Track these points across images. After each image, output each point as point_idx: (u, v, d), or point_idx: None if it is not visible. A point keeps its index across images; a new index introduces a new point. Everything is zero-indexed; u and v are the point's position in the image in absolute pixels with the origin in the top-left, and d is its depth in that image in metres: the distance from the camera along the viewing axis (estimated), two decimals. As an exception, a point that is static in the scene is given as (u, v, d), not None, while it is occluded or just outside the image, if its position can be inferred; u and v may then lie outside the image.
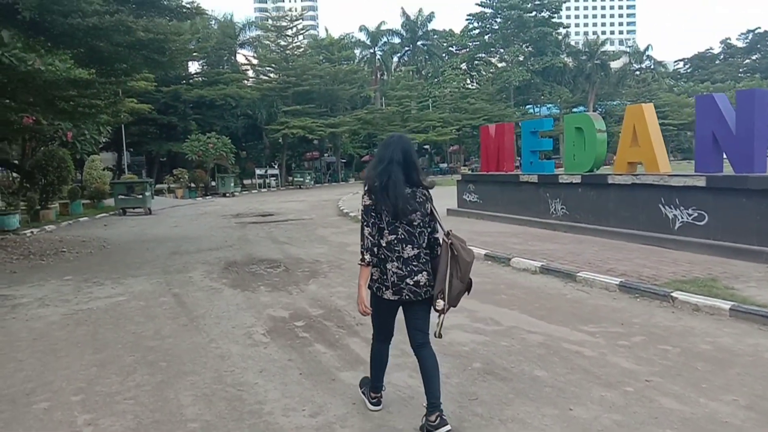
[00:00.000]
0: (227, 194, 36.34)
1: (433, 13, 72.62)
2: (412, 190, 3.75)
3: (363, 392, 4.23)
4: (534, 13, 70.51)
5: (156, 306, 7.50)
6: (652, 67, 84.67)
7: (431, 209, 3.81)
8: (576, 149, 12.28)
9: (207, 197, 35.83)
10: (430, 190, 3.88)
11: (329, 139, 51.25)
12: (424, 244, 3.78)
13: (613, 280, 7.39)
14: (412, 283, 3.69)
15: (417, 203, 3.74)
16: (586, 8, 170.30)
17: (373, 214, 3.71)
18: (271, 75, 49.22)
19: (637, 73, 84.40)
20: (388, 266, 3.69)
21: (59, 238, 15.41)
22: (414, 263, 3.70)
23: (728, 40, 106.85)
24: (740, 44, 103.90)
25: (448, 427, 3.66)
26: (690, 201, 9.30)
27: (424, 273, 3.73)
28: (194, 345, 5.76)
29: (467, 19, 73.40)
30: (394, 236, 3.70)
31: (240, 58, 53.45)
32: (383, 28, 69.60)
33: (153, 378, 4.89)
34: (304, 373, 4.88)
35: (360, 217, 3.86)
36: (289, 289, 8.19)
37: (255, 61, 51.13)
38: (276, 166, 49.96)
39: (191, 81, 44.12)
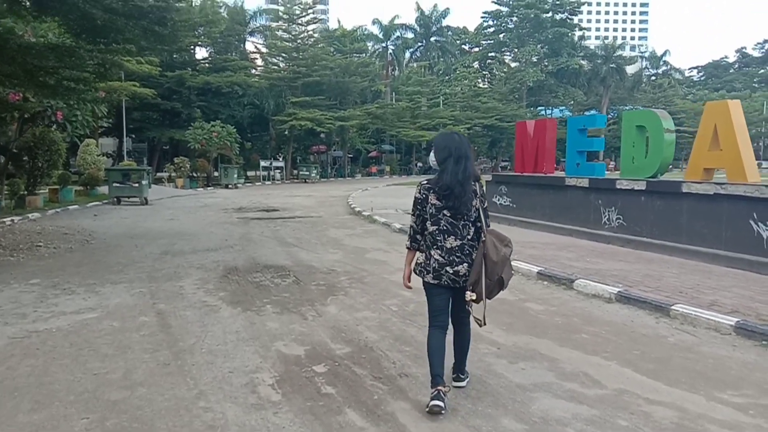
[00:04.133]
0: (230, 186, 34.76)
1: (448, 9, 71.29)
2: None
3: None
4: (551, 13, 68.57)
5: (133, 330, 5.82)
6: (669, 72, 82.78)
7: (479, 204, 3.94)
8: (636, 151, 10.59)
9: (208, 188, 34.22)
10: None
11: (337, 133, 49.52)
12: (469, 236, 3.92)
13: (725, 319, 5.70)
14: (452, 272, 3.89)
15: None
16: (598, 12, 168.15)
17: (419, 206, 4.00)
18: (281, 64, 47.54)
19: (653, 78, 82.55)
20: (432, 253, 3.93)
21: (40, 228, 13.75)
22: (457, 254, 3.89)
23: (743, 49, 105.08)
24: (756, 53, 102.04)
25: (462, 384, 4.22)
26: (794, 218, 7.61)
27: (465, 264, 3.89)
28: (175, 402, 4.08)
29: (482, 17, 71.55)
30: (436, 227, 3.91)
31: (249, 46, 51.84)
32: (397, 22, 67.98)
33: (106, 466, 3.22)
34: (337, 470, 3.20)
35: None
36: (302, 311, 6.51)
37: (264, 50, 49.46)
38: (281, 159, 48.37)
39: (197, 67, 42.38)
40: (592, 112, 68.48)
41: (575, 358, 4.95)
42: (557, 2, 68.91)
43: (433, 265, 3.90)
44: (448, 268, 3.86)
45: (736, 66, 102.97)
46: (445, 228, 3.88)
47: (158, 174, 36.46)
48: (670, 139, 10.04)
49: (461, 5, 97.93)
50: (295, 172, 46.91)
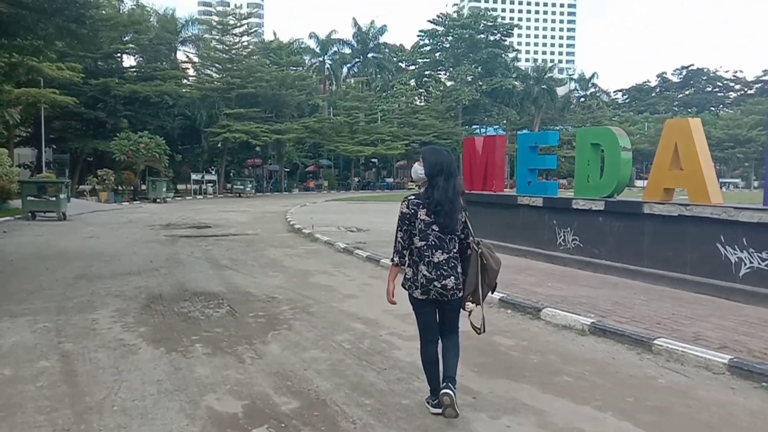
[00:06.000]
0: (158, 200, 32.97)
1: (385, 26, 71.25)
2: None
3: (426, 402, 4.20)
4: (485, 34, 69.79)
5: (29, 379, 4.74)
6: (598, 94, 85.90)
7: (465, 218, 4.04)
8: (591, 169, 10.16)
9: (135, 202, 32.31)
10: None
11: (273, 147, 48.19)
12: (455, 250, 4.00)
13: (716, 356, 5.15)
14: (440, 286, 3.93)
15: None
16: (528, 36, 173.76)
17: (407, 221, 4.00)
18: (214, 75, 45.94)
19: (582, 100, 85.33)
20: (420, 269, 3.96)
21: (-67, 248, 12.13)
22: (444, 268, 3.93)
23: (664, 74, 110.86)
24: (675, 79, 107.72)
25: (450, 392, 3.93)
26: (765, 242, 7.26)
27: (452, 277, 3.95)
28: (71, 490, 3.10)
29: (419, 36, 71.76)
30: (424, 243, 3.95)
31: (180, 56, 49.91)
32: (334, 36, 67.33)
33: None
34: None
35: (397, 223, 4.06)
36: (238, 352, 5.55)
37: (197, 60, 47.71)
38: (214, 172, 46.65)
39: (124, 75, 40.15)
40: (525, 131, 69.87)
41: (564, 409, 4.25)
42: (491, 24, 70.42)
43: (421, 280, 3.95)
44: (435, 283, 3.92)
45: (658, 90, 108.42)
46: (433, 243, 3.93)
47: (81, 187, 34.25)
48: (627, 158, 9.67)
49: (398, 23, 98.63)
50: (229, 186, 45.31)
